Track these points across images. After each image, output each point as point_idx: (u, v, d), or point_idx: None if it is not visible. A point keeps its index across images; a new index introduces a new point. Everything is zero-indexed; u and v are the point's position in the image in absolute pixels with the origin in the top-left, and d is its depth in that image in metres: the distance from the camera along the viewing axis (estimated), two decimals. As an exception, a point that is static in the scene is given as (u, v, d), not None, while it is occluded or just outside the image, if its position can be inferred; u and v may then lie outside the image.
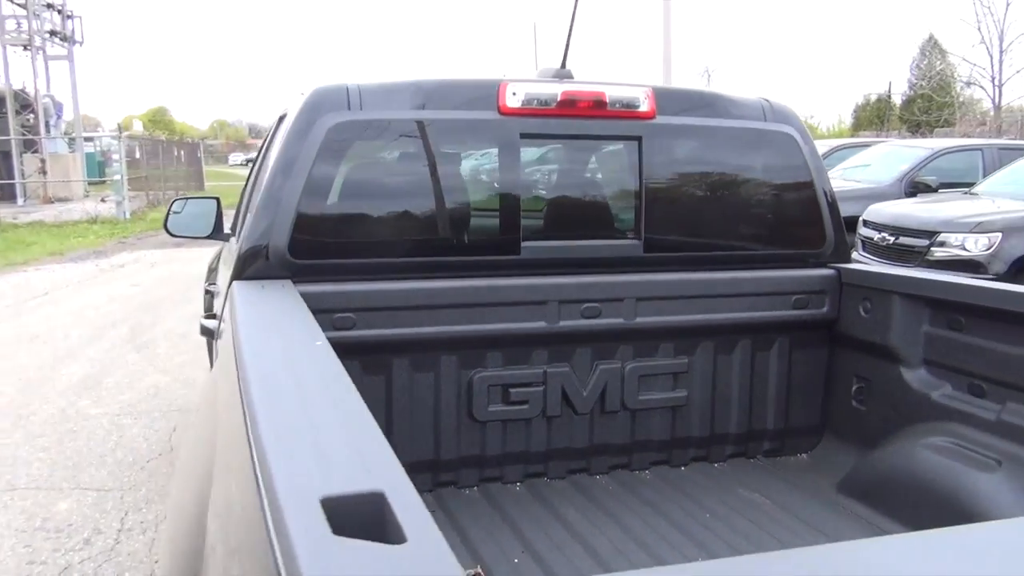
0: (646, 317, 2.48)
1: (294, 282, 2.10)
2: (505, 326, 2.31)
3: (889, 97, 39.52)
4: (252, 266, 2.15)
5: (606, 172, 2.60)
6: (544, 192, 2.57)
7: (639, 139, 2.48)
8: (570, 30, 2.59)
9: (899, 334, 2.44)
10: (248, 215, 2.80)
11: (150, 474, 4.71)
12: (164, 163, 26.51)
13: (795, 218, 2.69)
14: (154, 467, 4.83)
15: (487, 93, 2.34)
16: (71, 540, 3.90)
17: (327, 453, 0.98)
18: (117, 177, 20.43)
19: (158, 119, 76.49)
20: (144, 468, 4.81)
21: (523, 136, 2.37)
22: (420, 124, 2.31)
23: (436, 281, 2.30)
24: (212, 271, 4.64)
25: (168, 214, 3.99)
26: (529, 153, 2.44)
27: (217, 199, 4.10)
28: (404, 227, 2.38)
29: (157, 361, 7.17)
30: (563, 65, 2.55)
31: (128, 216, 20.08)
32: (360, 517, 0.79)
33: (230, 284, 2.14)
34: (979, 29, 26.79)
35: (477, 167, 2.50)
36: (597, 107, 2.41)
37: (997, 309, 2.18)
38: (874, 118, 40.64)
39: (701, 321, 2.56)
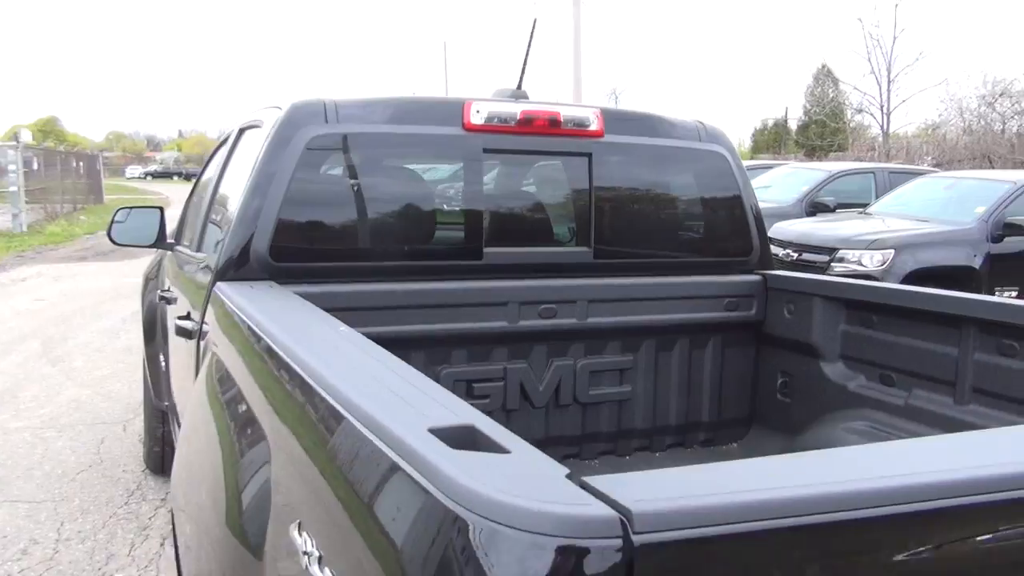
0: (596, 318, 2.70)
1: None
2: (469, 326, 2.48)
3: (786, 122, 41.41)
4: (235, 268, 2.26)
5: (560, 185, 2.81)
6: (505, 202, 2.76)
7: (589, 155, 2.70)
8: (526, 55, 2.80)
9: (819, 332, 2.72)
10: (213, 223, 2.90)
11: (82, 485, 4.66)
12: (63, 175, 25.54)
13: (726, 229, 2.95)
14: (85, 479, 4.77)
15: (453, 111, 2.52)
16: (7, 551, 3.85)
17: (411, 402, 1.13)
18: (13, 188, 19.61)
19: (48, 129, 73.17)
20: (75, 480, 4.74)
21: (485, 151, 2.55)
22: (392, 138, 2.46)
23: (406, 284, 2.45)
24: (150, 280, 4.63)
25: (112, 223, 4.01)
26: (492, 166, 2.63)
27: (161, 209, 4.13)
28: (376, 233, 2.52)
29: (75, 375, 7.01)
30: (519, 86, 2.76)
31: (25, 229, 19.30)
32: (464, 440, 0.95)
33: (212, 285, 2.24)
34: (869, 60, 28.45)
35: (444, 179, 2.67)
36: (552, 125, 2.62)
37: (903, 307, 2.49)
38: (772, 142, 42.49)
39: (645, 322, 2.80)
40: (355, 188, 2.46)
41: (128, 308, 10.10)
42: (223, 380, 1.83)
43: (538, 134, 2.60)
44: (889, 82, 28.00)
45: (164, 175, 75.94)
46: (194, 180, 4.29)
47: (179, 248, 3.81)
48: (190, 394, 2.25)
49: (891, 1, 44.62)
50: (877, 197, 10.83)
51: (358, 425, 1.02)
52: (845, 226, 8.84)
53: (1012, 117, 21.82)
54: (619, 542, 0.74)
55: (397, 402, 1.10)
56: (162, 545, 3.96)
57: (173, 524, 2.11)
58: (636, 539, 0.74)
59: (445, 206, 2.66)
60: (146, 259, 14.89)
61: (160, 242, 4.03)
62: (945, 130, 24.06)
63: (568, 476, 0.86)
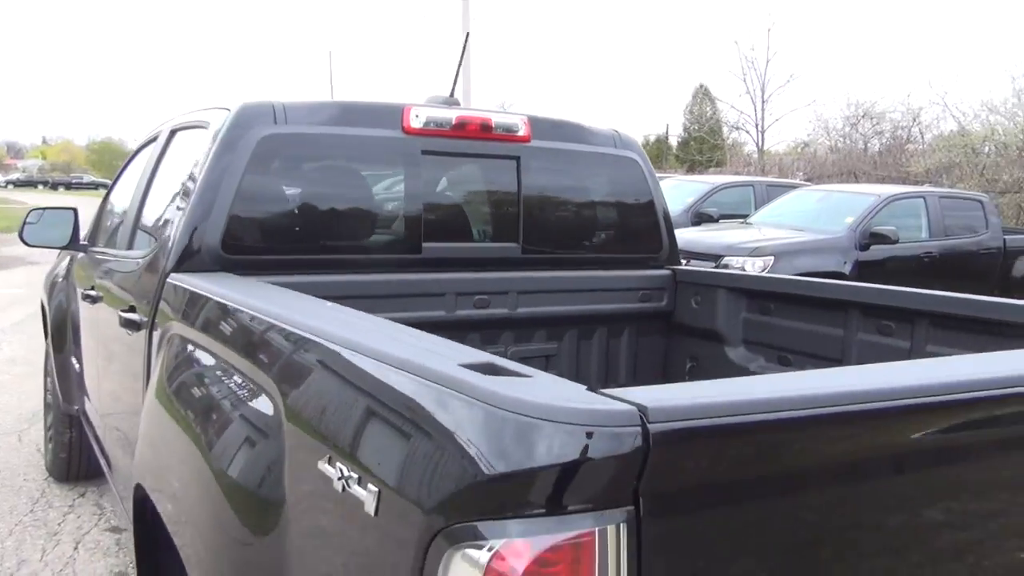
0: (525, 308, 2.90)
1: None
2: (409, 315, 2.63)
3: (667, 138, 42.98)
4: (187, 261, 2.35)
5: (492, 186, 3.00)
6: (441, 201, 2.92)
7: (518, 159, 2.90)
8: (458, 66, 2.98)
9: (723, 320, 3.01)
10: (149, 221, 2.95)
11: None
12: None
13: (639, 228, 3.22)
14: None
15: (394, 114, 2.67)
16: (-89, 561, 3.74)
17: (431, 349, 1.29)
18: None
19: None
20: (-25, 490, 4.60)
21: (424, 152, 2.72)
22: (338, 139, 2.60)
23: (350, 276, 2.59)
24: (56, 284, 4.54)
25: (24, 224, 3.95)
26: (429, 167, 2.80)
27: (74, 210, 4.09)
28: (322, 228, 2.63)
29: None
30: (451, 94, 2.94)
31: None
32: (490, 370, 1.11)
33: (163, 277, 2.32)
34: (744, 81, 29.94)
35: (386, 178, 2.82)
36: (484, 130, 2.81)
37: (796, 295, 2.82)
38: (653, 157, 44.00)
39: (568, 312, 3.02)
40: (302, 186, 2.58)
41: (7, 319, 9.67)
42: (191, 361, 1.93)
43: (471, 138, 2.79)
44: (763, 101, 29.56)
45: (27, 184, 71.83)
46: (111, 184, 4.24)
47: (96, 249, 3.79)
48: (140, 386, 2.32)
49: (764, 25, 47.12)
50: (756, 208, 11.51)
51: (395, 369, 1.18)
52: (728, 235, 9.40)
53: (872, 137, 23.46)
54: (638, 429, 0.92)
55: (420, 350, 1.26)
56: (76, 549, 3.91)
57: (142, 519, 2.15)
58: (652, 427, 0.93)
59: (387, 204, 2.80)
60: (18, 270, 14.20)
61: (74, 243, 4.00)
62: (814, 148, 25.62)
63: (588, 388, 1.05)
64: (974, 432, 1.22)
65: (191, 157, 2.64)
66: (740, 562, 1.04)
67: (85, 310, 3.57)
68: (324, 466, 1.18)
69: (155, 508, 1.94)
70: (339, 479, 1.13)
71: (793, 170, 22.08)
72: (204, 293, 1.99)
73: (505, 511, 0.94)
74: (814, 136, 26.33)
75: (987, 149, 16.95)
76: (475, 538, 0.93)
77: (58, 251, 4.99)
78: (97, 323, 3.25)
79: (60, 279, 4.50)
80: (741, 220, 10.69)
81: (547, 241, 3.00)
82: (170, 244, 2.42)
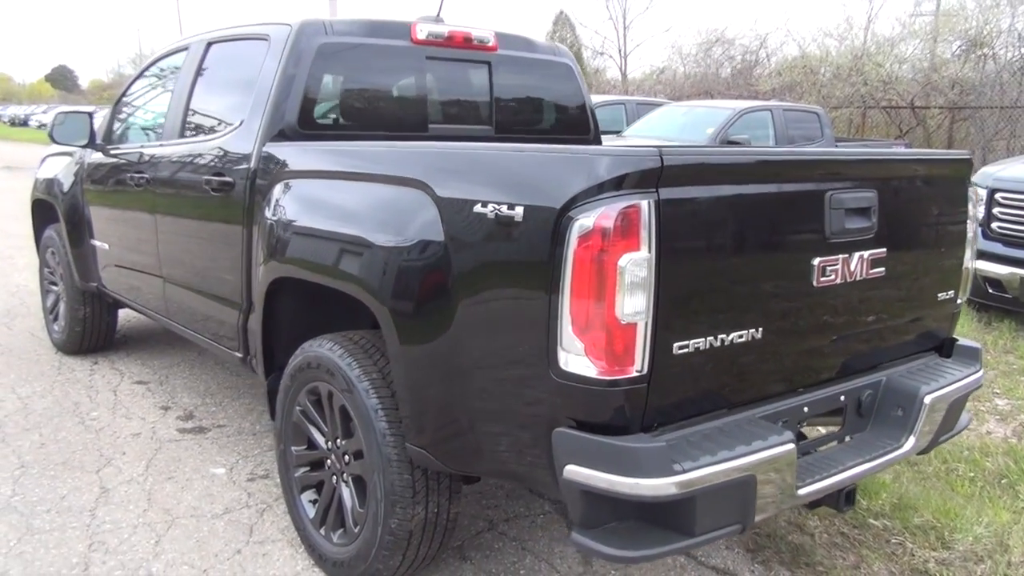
0: None
1: None
2: None
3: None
4: (276, 135, 3.28)
5: (473, 83, 4.00)
6: (440, 95, 3.89)
7: (489, 63, 3.92)
8: None
9: None
10: (206, 113, 3.82)
11: (8, 366, 5.24)
12: None
13: (574, 115, 4.26)
14: (6, 362, 5.34)
15: (405, 29, 3.62)
16: (-15, 406, 4.49)
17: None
18: None
19: None
20: (-1, 362, 5.29)
21: (427, 58, 3.69)
22: (369, 46, 3.52)
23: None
24: (60, 190, 5.17)
25: (53, 125, 4.68)
26: (432, 68, 3.78)
27: (90, 114, 4.84)
28: (361, 110, 3.57)
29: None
30: (438, 15, 3.90)
31: None
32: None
33: (260, 146, 3.25)
34: (607, 7, 31.32)
35: (402, 77, 3.78)
36: (467, 42, 3.79)
37: None
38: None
39: None
40: (346, 80, 3.53)
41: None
42: (318, 190, 2.94)
43: (458, 47, 3.78)
44: (625, 28, 31.07)
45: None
46: (119, 97, 4.93)
47: (125, 147, 4.55)
48: (233, 229, 3.33)
49: (621, -48, 48.18)
50: (628, 124, 12.86)
51: (528, 153, 2.29)
52: (605, 147, 10.65)
53: (724, 61, 25.31)
54: (658, 156, 1.96)
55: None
56: (115, 394, 4.77)
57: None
58: (665, 157, 2.00)
59: (403, 95, 3.76)
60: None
61: (92, 142, 4.76)
62: (672, 73, 27.34)
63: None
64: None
65: (251, 62, 3.54)
66: (714, 229, 2.13)
67: (119, 201, 4.42)
68: (479, 208, 2.23)
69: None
70: (492, 212, 2.19)
71: (654, 93, 23.68)
72: (320, 149, 3.01)
73: (599, 195, 1.98)
74: (669, 63, 28.08)
75: (823, 70, 18.99)
76: (585, 212, 2.01)
77: (41, 159, 5.66)
78: (141, 204, 4.12)
79: (66, 186, 5.14)
80: (615, 134, 11.98)
81: (512, 124, 4.06)
82: (257, 125, 3.34)
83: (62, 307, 5.41)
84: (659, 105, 13.48)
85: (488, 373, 2.28)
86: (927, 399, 2.60)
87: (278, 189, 3.12)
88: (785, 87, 18.94)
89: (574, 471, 2.06)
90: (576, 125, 4.30)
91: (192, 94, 3.99)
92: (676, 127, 11.23)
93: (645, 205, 1.99)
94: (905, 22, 20.99)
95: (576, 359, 2.04)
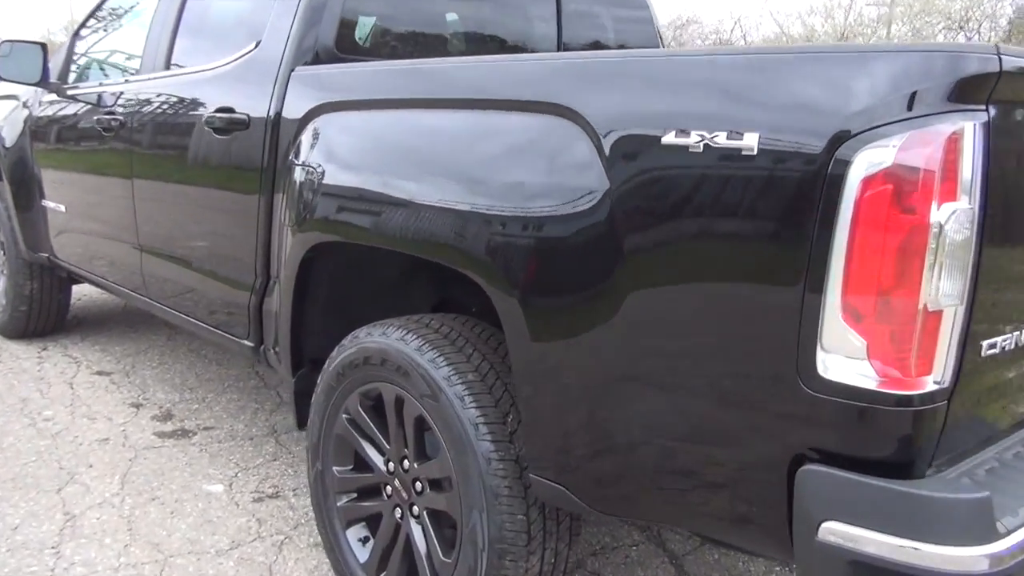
0: None
1: None
2: None
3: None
4: (309, 59, 2.53)
5: (546, 16, 3.34)
6: (504, 21, 3.23)
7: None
8: None
9: None
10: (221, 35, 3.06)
11: (-64, 351, 4.37)
12: None
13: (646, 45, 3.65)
14: (-66, 346, 4.46)
15: None
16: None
17: None
18: None
19: None
20: (-75, 347, 4.42)
21: None
22: None
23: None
24: (33, 120, 4.27)
25: (-2, 58, 3.79)
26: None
27: (43, 44, 3.95)
28: (400, 36, 2.89)
29: None
30: None
31: None
32: None
33: (289, 71, 2.48)
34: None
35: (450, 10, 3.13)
36: None
37: None
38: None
39: None
40: (383, 7, 2.84)
41: None
42: (387, 124, 2.17)
43: None
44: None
45: None
46: (77, 30, 4.07)
47: (87, 85, 3.72)
48: (248, 175, 2.59)
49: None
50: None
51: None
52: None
53: (697, 40, 24.86)
54: (994, 60, 1.26)
55: None
56: (72, 388, 3.94)
57: None
58: (1003, 58, 1.27)
59: (466, 16, 3.11)
60: None
61: (44, 80, 3.88)
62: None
63: None
64: None
65: None
66: None
67: (81, 152, 3.60)
68: (671, 139, 1.51)
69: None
70: (700, 143, 1.48)
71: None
72: (391, 67, 2.25)
73: (901, 115, 1.29)
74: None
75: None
76: (876, 141, 1.31)
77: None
78: (112, 154, 3.31)
79: (11, 138, 4.27)
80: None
81: (583, 50, 3.40)
82: (281, 45, 2.57)
83: (3, 282, 4.53)
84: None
85: (681, 382, 1.57)
86: None
87: (321, 124, 2.35)
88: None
89: (838, 532, 1.37)
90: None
91: (183, 14, 3.18)
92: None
93: (971, 130, 1.30)
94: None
95: (845, 364, 1.36)
